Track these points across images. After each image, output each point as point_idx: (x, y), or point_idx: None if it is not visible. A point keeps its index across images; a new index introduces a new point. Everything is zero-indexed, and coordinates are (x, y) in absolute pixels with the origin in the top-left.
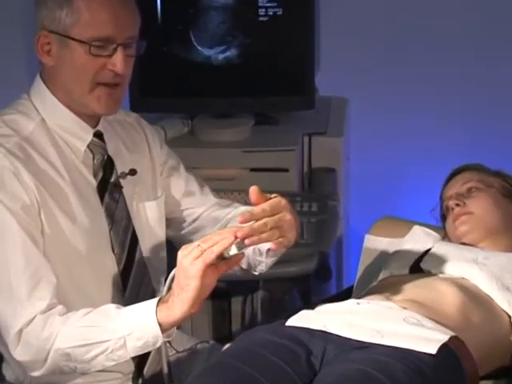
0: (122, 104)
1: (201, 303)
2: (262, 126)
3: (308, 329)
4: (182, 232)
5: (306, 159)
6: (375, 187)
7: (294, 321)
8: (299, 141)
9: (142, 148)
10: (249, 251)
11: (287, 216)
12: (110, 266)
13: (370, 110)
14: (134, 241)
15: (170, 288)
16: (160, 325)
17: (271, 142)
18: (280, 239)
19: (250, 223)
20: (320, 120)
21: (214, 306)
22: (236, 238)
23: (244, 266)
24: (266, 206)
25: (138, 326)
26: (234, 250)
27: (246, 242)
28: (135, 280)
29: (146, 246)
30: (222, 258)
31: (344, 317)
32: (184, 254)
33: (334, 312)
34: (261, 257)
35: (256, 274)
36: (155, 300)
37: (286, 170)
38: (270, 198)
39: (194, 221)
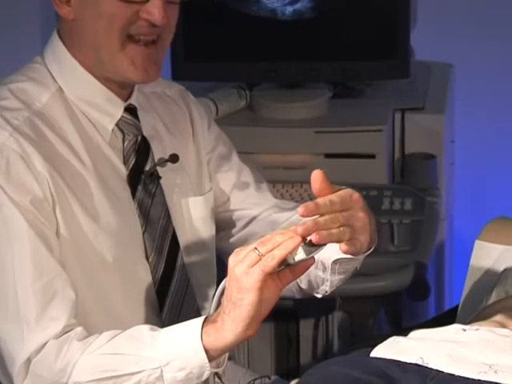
0: (164, 74)
1: (259, 324)
2: (340, 99)
3: (399, 362)
4: (231, 240)
5: (398, 142)
6: (487, 179)
7: (382, 351)
8: (389, 118)
9: (185, 130)
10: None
11: (360, 213)
12: (143, 277)
13: (481, 79)
14: (175, 246)
15: (219, 304)
16: (207, 351)
17: (352, 119)
18: (350, 241)
19: (314, 217)
20: (416, 92)
21: (276, 331)
22: (304, 238)
23: (303, 285)
24: (334, 197)
25: (179, 353)
26: (300, 255)
27: (313, 238)
28: (175, 296)
29: (189, 252)
30: (285, 264)
31: (446, 347)
32: (237, 261)
33: (433, 340)
34: (324, 273)
35: (318, 296)
36: (200, 319)
37: (372, 157)
38: (339, 190)
39: (246, 225)
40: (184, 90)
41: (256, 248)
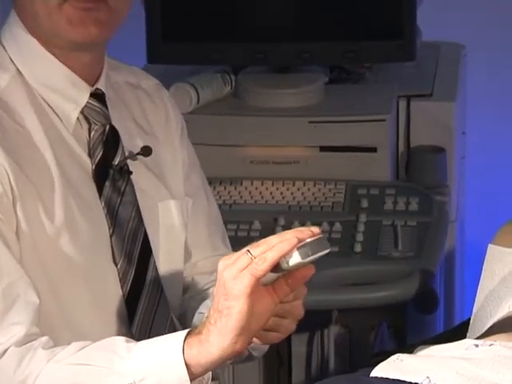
0: (137, 56)
1: (249, 338)
2: (338, 84)
3: (404, 382)
4: None
5: (403, 134)
6: (502, 175)
7: (384, 370)
8: (392, 107)
9: (159, 129)
10: None
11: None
12: (111, 285)
13: (496, 61)
14: (146, 252)
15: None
16: (188, 367)
17: (351, 108)
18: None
19: None
20: (423, 76)
21: None
22: (300, 240)
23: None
24: None
25: (156, 368)
26: (296, 258)
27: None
28: (147, 307)
29: (162, 259)
30: (281, 271)
31: (456, 365)
32: (227, 264)
33: (441, 358)
34: None
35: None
36: (184, 331)
37: (373, 150)
38: None
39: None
40: (161, 85)
41: (249, 250)
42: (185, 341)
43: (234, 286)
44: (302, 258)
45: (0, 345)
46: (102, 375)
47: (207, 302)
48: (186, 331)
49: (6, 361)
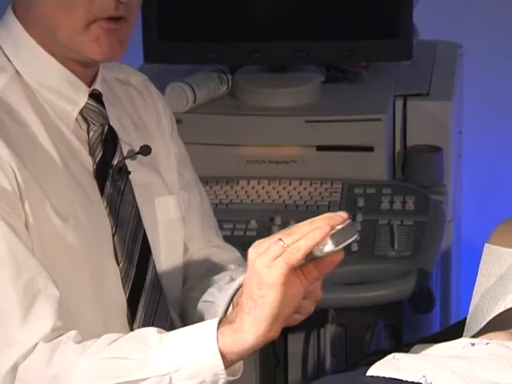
0: (134, 56)
1: (282, 325)
2: (334, 83)
3: (400, 381)
4: None
5: (399, 133)
6: (499, 175)
7: (380, 369)
8: (389, 106)
9: (151, 125)
10: None
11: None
12: (113, 284)
13: (493, 60)
14: (146, 251)
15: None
16: (223, 356)
17: (348, 107)
18: None
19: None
20: (420, 76)
21: (262, 347)
22: (332, 228)
23: None
24: None
25: (191, 358)
26: (329, 246)
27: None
28: (147, 307)
29: (163, 255)
30: (311, 257)
31: (452, 364)
32: (258, 253)
33: (437, 357)
34: None
35: None
36: (215, 320)
37: (370, 149)
38: None
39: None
40: (148, 80)
41: (281, 239)
42: (218, 330)
43: (268, 275)
44: (335, 246)
45: (29, 340)
46: (136, 368)
47: (210, 289)
48: (215, 320)
49: (36, 356)
